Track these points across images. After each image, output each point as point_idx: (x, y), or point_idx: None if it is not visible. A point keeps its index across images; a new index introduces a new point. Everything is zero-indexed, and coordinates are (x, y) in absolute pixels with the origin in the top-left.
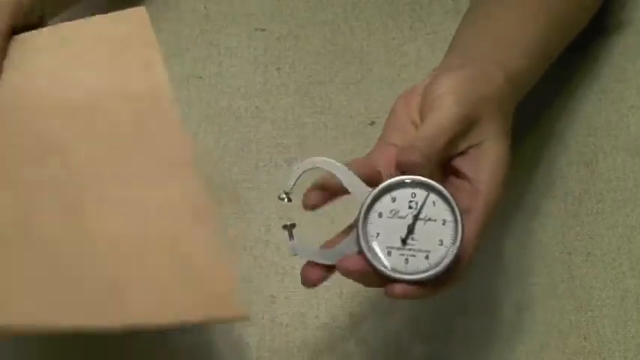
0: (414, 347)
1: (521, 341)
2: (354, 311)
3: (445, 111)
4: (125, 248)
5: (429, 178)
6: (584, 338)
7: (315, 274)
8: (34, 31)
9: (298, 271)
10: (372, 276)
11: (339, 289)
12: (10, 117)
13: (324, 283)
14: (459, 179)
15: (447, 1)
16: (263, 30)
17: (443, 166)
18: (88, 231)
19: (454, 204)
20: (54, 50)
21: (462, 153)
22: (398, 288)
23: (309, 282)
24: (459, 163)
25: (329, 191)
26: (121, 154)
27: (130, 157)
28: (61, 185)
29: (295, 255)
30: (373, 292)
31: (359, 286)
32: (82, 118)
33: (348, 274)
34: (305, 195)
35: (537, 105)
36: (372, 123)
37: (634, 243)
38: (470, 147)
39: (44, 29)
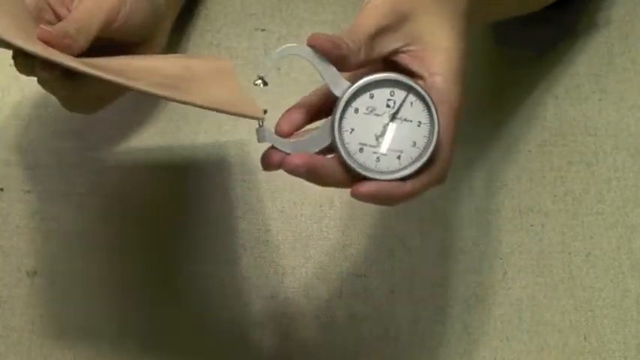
0: (414, 345)
1: (521, 341)
2: (353, 311)
3: (373, 3)
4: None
5: (365, 70)
6: (584, 338)
7: (276, 156)
8: None
9: (298, 271)
10: (339, 175)
11: (340, 289)
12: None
13: (324, 283)
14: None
15: None
16: (263, 30)
17: (390, 70)
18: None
19: (432, 106)
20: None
21: (405, 52)
22: (364, 187)
23: (269, 165)
24: (406, 62)
25: (310, 112)
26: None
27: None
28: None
29: (263, 142)
30: (373, 292)
31: (359, 286)
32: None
33: (315, 171)
34: (284, 116)
35: (537, 105)
36: None
37: (634, 243)
38: (409, 44)
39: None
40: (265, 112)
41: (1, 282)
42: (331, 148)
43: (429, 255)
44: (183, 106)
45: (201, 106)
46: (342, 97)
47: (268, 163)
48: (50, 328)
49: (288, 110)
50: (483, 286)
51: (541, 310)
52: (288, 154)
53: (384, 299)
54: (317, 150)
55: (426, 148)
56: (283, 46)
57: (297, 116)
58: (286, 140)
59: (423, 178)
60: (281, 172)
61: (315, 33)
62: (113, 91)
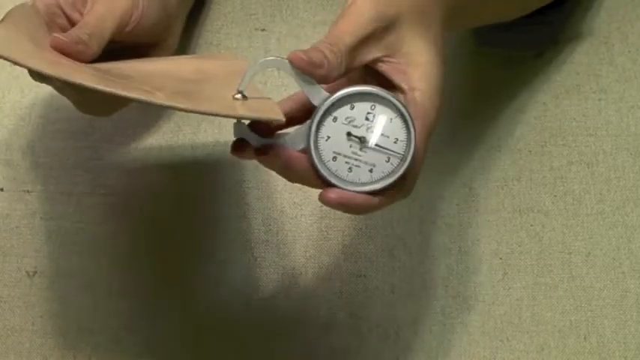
0: (413, 346)
1: (521, 341)
2: (353, 311)
3: (356, 9)
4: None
5: (342, 80)
6: (584, 338)
7: (246, 148)
8: None
9: (298, 271)
10: (309, 176)
11: (340, 289)
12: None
13: (324, 283)
14: (393, 92)
15: None
16: (263, 30)
17: (368, 76)
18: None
19: (411, 126)
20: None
21: (386, 62)
22: (334, 194)
23: (239, 153)
24: (387, 71)
25: (302, 105)
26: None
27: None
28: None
29: (239, 137)
30: (373, 292)
31: (359, 286)
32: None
33: (287, 170)
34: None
35: (537, 104)
36: None
37: (634, 243)
38: (390, 54)
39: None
40: None
41: (1, 282)
42: (304, 152)
43: (429, 255)
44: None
45: (218, 115)
46: (322, 104)
47: (240, 150)
48: (50, 328)
49: (279, 102)
50: (483, 286)
51: (541, 310)
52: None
53: (384, 299)
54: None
55: (399, 166)
56: (262, 59)
57: (287, 109)
58: (262, 139)
59: (391, 194)
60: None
61: (295, 51)
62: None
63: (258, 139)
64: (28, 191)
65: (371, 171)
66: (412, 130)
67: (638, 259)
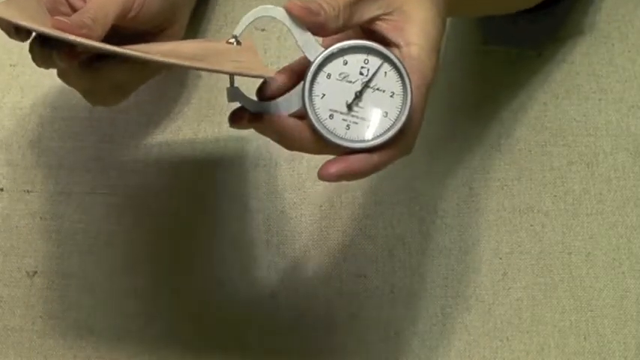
0: (414, 345)
1: (521, 341)
2: (353, 311)
3: None
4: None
5: (342, 36)
6: (584, 338)
7: (242, 117)
8: None
9: (298, 271)
10: (307, 141)
11: (340, 289)
12: None
13: (324, 283)
14: (390, 48)
15: None
16: (263, 30)
17: (367, 38)
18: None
19: (406, 77)
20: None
21: (384, 20)
22: (333, 168)
23: (236, 123)
24: (384, 30)
25: (292, 77)
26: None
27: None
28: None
29: (233, 102)
30: (373, 292)
31: (359, 286)
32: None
33: (284, 134)
34: (267, 80)
35: (537, 104)
36: None
37: (634, 243)
38: (388, 13)
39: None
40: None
41: (1, 282)
42: (302, 113)
43: (429, 255)
44: (182, 104)
45: (204, 69)
46: (314, 61)
47: (237, 120)
48: (50, 328)
49: (275, 73)
50: (483, 286)
51: (541, 310)
52: (262, 114)
53: (384, 299)
54: (287, 114)
55: (397, 120)
56: (258, 7)
57: (280, 80)
58: (257, 102)
59: (391, 151)
60: (282, 172)
61: (292, 1)
62: (134, 79)
63: (253, 103)
64: (28, 191)
65: (369, 127)
66: (408, 82)
67: (638, 259)
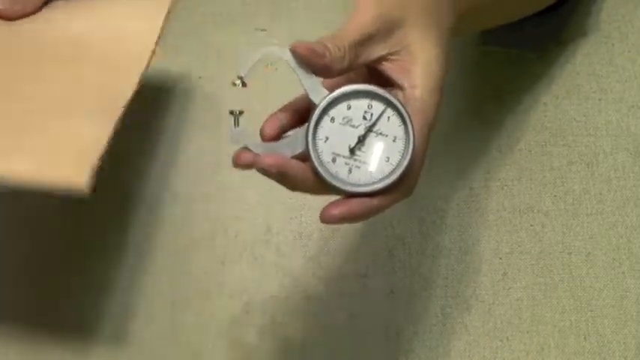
0: (413, 346)
1: (521, 341)
2: (354, 311)
3: (361, 11)
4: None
5: (347, 77)
6: (584, 338)
7: (247, 157)
8: None
9: (298, 272)
10: (310, 183)
11: (340, 289)
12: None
13: (324, 283)
14: (393, 90)
15: None
16: (263, 30)
17: (372, 78)
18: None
19: (409, 122)
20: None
21: (390, 60)
22: (336, 210)
23: (240, 163)
24: (389, 70)
25: (294, 116)
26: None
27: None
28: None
29: (236, 144)
30: (373, 292)
31: (359, 286)
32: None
33: (287, 177)
34: (269, 119)
35: (537, 104)
36: None
37: (634, 243)
38: (394, 52)
39: None
40: (241, 112)
41: (2, 282)
42: (305, 155)
43: (429, 255)
44: (182, 105)
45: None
46: (318, 104)
47: (240, 161)
48: (50, 328)
49: (274, 113)
50: (483, 286)
51: (541, 310)
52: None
53: (384, 299)
54: (290, 155)
55: (399, 165)
56: (263, 48)
57: (282, 120)
58: (260, 143)
59: (391, 195)
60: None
61: (298, 41)
62: None
63: (257, 144)
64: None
65: (371, 171)
66: (410, 127)
67: (638, 259)
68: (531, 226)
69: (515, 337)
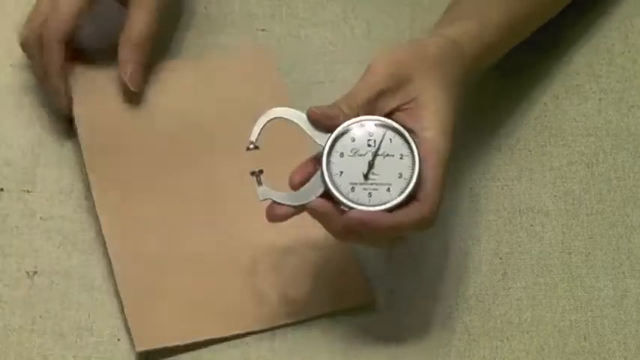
0: (413, 346)
1: (521, 341)
2: (354, 311)
3: (372, 71)
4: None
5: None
6: (584, 338)
7: (281, 209)
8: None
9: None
10: (335, 217)
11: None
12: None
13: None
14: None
15: (446, 1)
16: (263, 30)
17: None
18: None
19: (409, 138)
20: (197, 76)
21: (402, 110)
22: (353, 213)
23: (275, 217)
24: (402, 119)
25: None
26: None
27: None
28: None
29: (265, 200)
30: (374, 292)
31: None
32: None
33: (315, 214)
34: (298, 169)
35: (537, 105)
36: None
37: (634, 243)
38: (406, 103)
39: (188, 61)
40: (261, 171)
41: (1, 282)
42: (327, 194)
43: (429, 255)
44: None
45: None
46: (325, 144)
47: (275, 217)
48: (50, 328)
49: (303, 163)
50: (483, 286)
51: (541, 310)
52: (289, 205)
53: (384, 299)
54: (314, 198)
55: (411, 177)
56: (270, 110)
57: (310, 168)
58: (285, 194)
59: (409, 211)
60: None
61: (312, 108)
62: None
63: (283, 196)
64: (28, 191)
65: (389, 190)
66: (411, 142)
67: (638, 259)
68: (531, 226)
69: (515, 337)
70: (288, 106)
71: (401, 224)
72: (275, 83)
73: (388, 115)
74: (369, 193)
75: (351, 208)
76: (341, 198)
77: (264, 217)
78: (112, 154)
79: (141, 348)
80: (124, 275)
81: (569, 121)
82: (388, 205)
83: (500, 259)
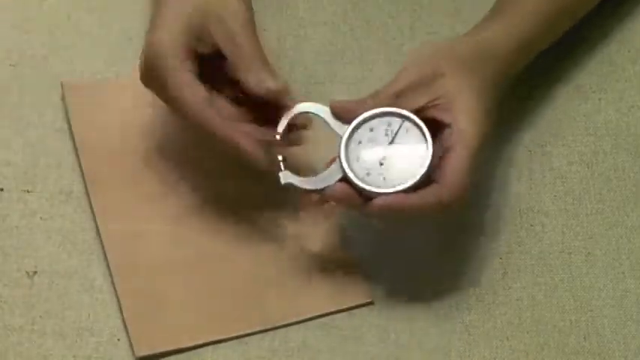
0: (412, 346)
1: (521, 341)
2: (354, 311)
3: (405, 68)
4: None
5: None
6: (584, 338)
7: (314, 196)
8: None
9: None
10: (355, 199)
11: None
12: None
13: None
14: (443, 133)
15: (446, 1)
16: (263, 30)
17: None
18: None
19: (424, 129)
20: None
21: (432, 106)
22: (377, 200)
23: (304, 207)
24: (436, 114)
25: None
26: None
27: None
28: None
29: (286, 183)
30: (373, 292)
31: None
32: None
33: (334, 199)
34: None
35: (537, 105)
36: None
37: (634, 243)
38: (436, 99)
39: None
40: (285, 158)
41: (1, 282)
42: (345, 179)
43: (429, 255)
44: None
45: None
46: (345, 132)
47: (307, 204)
48: (50, 328)
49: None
50: (483, 286)
51: (541, 310)
52: (309, 189)
53: (384, 299)
54: (333, 182)
55: (423, 163)
56: (296, 105)
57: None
58: (305, 179)
59: (429, 191)
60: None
61: (333, 102)
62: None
63: (303, 180)
64: (28, 191)
65: (402, 173)
66: (426, 131)
67: (638, 259)
68: (531, 226)
69: (515, 337)
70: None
71: (419, 203)
72: None
73: (419, 111)
74: (384, 177)
75: (364, 190)
76: (356, 181)
77: (265, 217)
78: (110, 161)
79: (141, 353)
80: (123, 280)
81: (569, 121)
82: (404, 186)
83: (500, 259)
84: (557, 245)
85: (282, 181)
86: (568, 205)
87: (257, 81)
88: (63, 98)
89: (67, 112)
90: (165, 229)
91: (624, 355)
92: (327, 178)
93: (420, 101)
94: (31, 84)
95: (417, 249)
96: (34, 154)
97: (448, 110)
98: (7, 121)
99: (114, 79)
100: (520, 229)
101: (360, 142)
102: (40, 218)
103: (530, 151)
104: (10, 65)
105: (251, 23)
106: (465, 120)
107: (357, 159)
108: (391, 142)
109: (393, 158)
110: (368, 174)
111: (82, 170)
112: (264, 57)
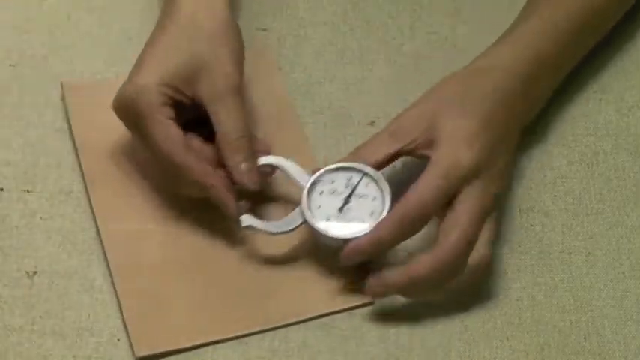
0: (412, 346)
1: (521, 341)
2: (354, 311)
3: (397, 132)
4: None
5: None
6: (584, 338)
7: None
8: None
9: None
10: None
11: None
12: None
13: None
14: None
15: (446, 1)
16: (263, 30)
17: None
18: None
19: (383, 184)
20: None
21: (418, 145)
22: (349, 246)
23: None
24: (421, 148)
25: None
26: None
27: None
28: None
29: (246, 226)
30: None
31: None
32: None
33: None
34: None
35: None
36: (372, 123)
37: (634, 243)
38: (426, 140)
39: None
40: (246, 203)
41: (1, 282)
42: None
43: None
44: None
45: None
46: (307, 183)
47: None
48: (50, 328)
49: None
50: (483, 286)
51: (541, 310)
52: (269, 232)
53: (384, 299)
54: (292, 228)
55: (380, 215)
56: (260, 158)
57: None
58: (266, 222)
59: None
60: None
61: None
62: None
63: (264, 224)
64: (28, 191)
65: (359, 222)
66: (384, 187)
67: (638, 259)
68: (531, 226)
69: (515, 337)
70: (290, 108)
71: (376, 237)
72: (275, 83)
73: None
74: (343, 225)
75: (323, 234)
76: (316, 225)
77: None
78: (110, 161)
79: (141, 353)
80: (123, 280)
81: (569, 121)
82: (357, 234)
83: (500, 259)
84: (557, 245)
85: (243, 224)
86: (568, 205)
87: (234, 163)
88: (63, 98)
89: (67, 112)
90: (166, 229)
91: (624, 355)
92: (289, 223)
93: (410, 147)
94: (31, 84)
95: (418, 248)
96: (34, 154)
97: (431, 145)
98: (7, 121)
99: (114, 79)
100: (520, 229)
101: (321, 193)
102: (40, 218)
103: (530, 151)
104: (10, 65)
105: (240, 89)
106: (444, 141)
107: (319, 207)
108: (351, 193)
109: (352, 208)
110: (328, 220)
111: (82, 170)
112: (247, 128)
